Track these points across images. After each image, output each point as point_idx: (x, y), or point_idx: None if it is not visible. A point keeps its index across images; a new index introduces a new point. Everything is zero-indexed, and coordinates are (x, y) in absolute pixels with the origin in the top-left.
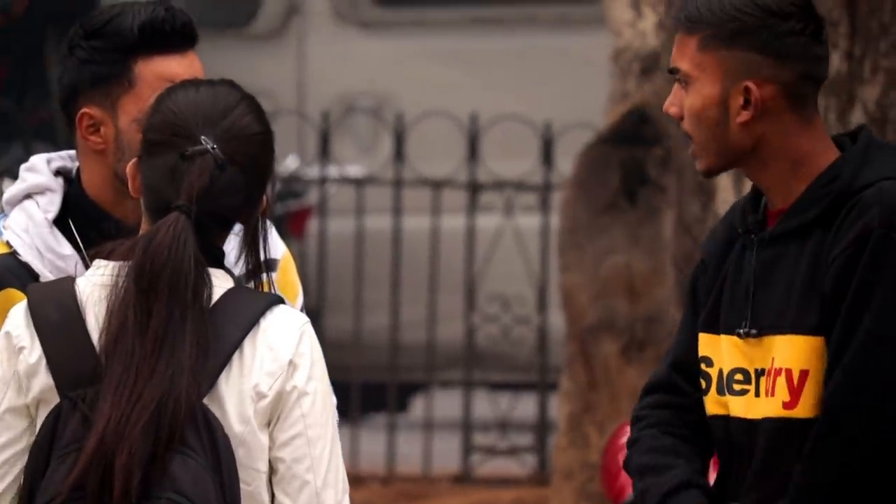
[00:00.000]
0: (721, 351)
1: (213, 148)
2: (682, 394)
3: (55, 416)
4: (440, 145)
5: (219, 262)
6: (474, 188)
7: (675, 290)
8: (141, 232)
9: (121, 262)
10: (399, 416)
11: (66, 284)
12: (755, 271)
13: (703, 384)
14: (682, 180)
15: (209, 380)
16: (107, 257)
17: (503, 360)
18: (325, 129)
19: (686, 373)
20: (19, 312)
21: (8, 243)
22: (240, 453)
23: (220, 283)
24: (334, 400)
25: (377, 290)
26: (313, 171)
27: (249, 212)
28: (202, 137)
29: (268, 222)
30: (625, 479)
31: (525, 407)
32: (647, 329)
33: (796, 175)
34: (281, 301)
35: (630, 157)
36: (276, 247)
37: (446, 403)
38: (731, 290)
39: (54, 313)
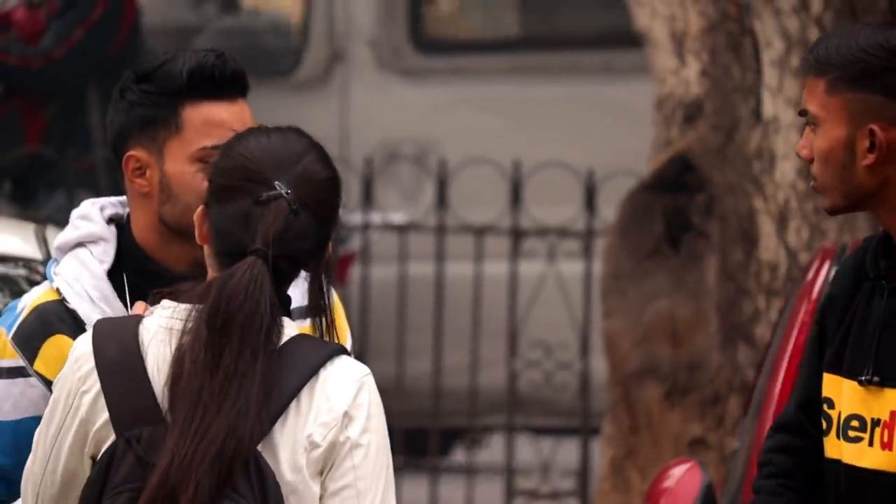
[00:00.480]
0: (842, 394)
1: (287, 193)
2: (807, 436)
3: (110, 455)
4: (483, 192)
5: (286, 308)
6: (517, 235)
7: (717, 335)
8: (209, 277)
9: (190, 305)
10: (442, 461)
11: (130, 323)
12: (883, 319)
13: (825, 425)
14: (725, 227)
15: (266, 426)
16: (176, 299)
17: (545, 405)
18: (368, 176)
19: (811, 413)
20: (84, 349)
21: (58, 290)
22: (291, 501)
23: (286, 330)
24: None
25: (420, 335)
26: (356, 218)
27: (318, 256)
28: (276, 182)
29: None
30: None
31: (567, 451)
32: (690, 375)
33: None
34: (344, 352)
35: (673, 204)
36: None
37: (489, 448)
38: (858, 333)
39: (114, 351)
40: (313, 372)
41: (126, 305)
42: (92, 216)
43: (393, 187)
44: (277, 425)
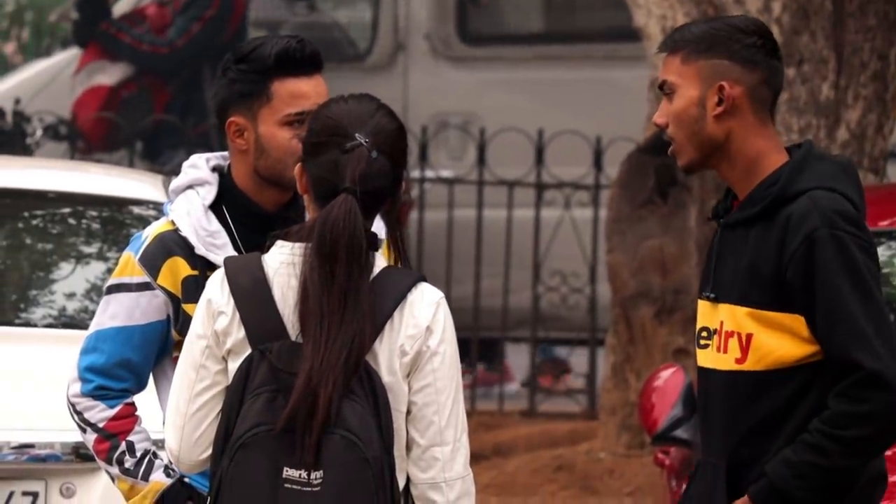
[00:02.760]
0: (699, 311)
1: (365, 141)
2: None
3: (248, 364)
4: (514, 154)
5: (375, 245)
6: (540, 187)
7: (697, 267)
8: (309, 217)
9: (301, 243)
10: (480, 364)
11: (254, 259)
12: (719, 247)
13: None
14: (703, 182)
15: (372, 340)
16: (286, 238)
17: (562, 321)
18: (424, 141)
19: None
20: (217, 281)
21: (173, 222)
22: (388, 398)
23: (378, 262)
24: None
25: (463, 266)
26: (414, 174)
27: (394, 192)
28: (356, 134)
29: None
30: (657, 414)
31: (579, 357)
32: (675, 298)
33: (752, 171)
34: (424, 279)
35: (663, 163)
36: (380, 229)
37: (517, 354)
38: (707, 261)
39: (246, 281)
40: (403, 296)
41: (231, 233)
42: (199, 165)
43: (443, 149)
44: (378, 339)
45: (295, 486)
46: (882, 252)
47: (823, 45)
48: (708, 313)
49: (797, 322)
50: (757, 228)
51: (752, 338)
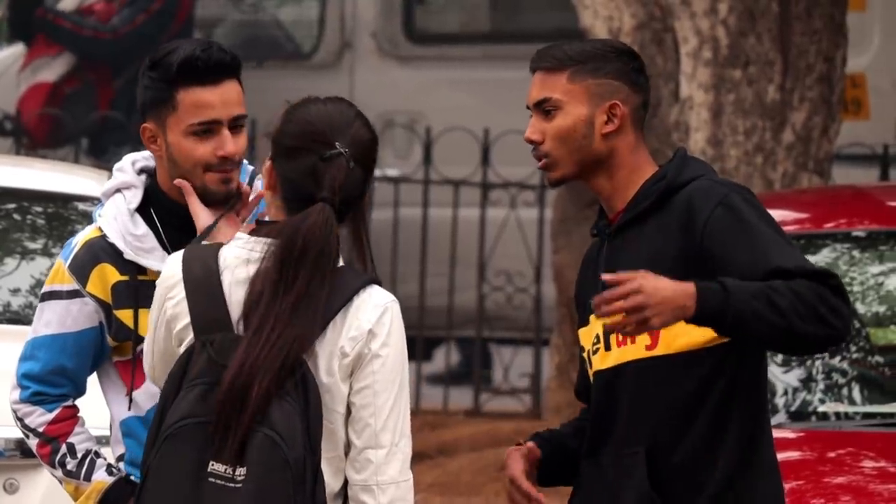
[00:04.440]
0: (586, 331)
1: (345, 151)
2: None
3: (188, 354)
4: (460, 153)
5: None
6: (486, 187)
7: None
8: (272, 218)
9: (263, 238)
10: (425, 363)
11: (212, 249)
12: (606, 259)
13: (587, 365)
14: None
15: (310, 343)
16: (252, 232)
17: (507, 321)
18: None
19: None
20: (174, 267)
21: (100, 228)
22: (325, 398)
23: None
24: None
25: (409, 265)
26: None
27: (361, 202)
28: (336, 143)
29: None
30: None
31: (524, 357)
32: None
33: (630, 181)
34: (376, 281)
35: None
36: None
37: (462, 354)
38: (592, 279)
39: (199, 270)
40: (349, 299)
41: (159, 236)
42: (125, 168)
43: (389, 148)
44: (318, 340)
45: (219, 481)
46: (826, 254)
47: (770, 47)
48: (596, 323)
49: None
50: (651, 221)
51: None
